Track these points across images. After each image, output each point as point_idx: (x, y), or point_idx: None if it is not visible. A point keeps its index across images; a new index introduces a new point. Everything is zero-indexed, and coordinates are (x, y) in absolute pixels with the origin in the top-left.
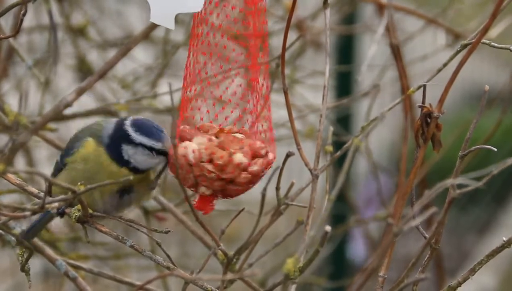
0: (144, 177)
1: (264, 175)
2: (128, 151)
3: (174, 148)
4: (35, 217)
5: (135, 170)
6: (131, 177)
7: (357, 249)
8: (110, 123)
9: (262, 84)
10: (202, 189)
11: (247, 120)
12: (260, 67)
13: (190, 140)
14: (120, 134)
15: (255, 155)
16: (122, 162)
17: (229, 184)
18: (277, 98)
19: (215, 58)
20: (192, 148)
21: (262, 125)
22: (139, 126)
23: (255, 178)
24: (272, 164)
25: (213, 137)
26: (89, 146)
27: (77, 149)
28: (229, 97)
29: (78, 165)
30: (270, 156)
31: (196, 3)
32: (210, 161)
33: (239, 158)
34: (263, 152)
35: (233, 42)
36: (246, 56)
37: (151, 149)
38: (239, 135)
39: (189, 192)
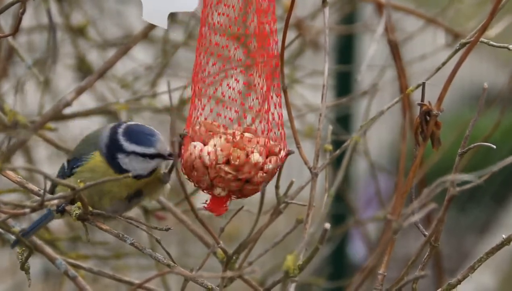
0: (152, 178)
1: (277, 172)
2: (123, 160)
3: (179, 147)
4: (35, 216)
5: (138, 177)
6: (142, 186)
7: (357, 249)
8: (105, 131)
9: (268, 83)
10: (218, 190)
11: (253, 119)
12: (267, 65)
13: (204, 140)
14: (114, 144)
15: (269, 153)
16: (122, 171)
17: (245, 184)
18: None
19: (220, 59)
20: (207, 150)
21: (272, 122)
22: (129, 134)
23: (270, 176)
24: (284, 161)
25: (230, 137)
26: (96, 160)
27: (86, 161)
28: (236, 95)
29: (86, 175)
30: (282, 153)
31: (190, 2)
32: (227, 162)
33: (257, 157)
34: (276, 149)
35: (237, 42)
36: (251, 55)
37: (143, 155)
38: (248, 135)
39: (198, 192)
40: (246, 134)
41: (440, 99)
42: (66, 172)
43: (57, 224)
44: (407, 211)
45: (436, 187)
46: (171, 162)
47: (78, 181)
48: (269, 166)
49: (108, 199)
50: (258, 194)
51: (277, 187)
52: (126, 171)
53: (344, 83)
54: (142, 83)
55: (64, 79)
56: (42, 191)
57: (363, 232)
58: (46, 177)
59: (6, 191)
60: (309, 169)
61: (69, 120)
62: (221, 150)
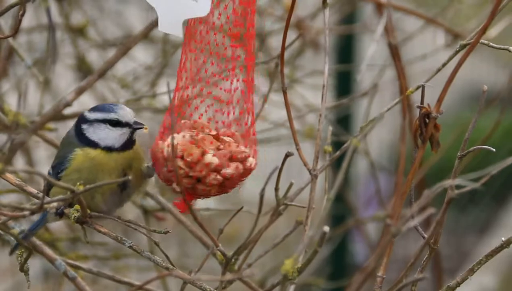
0: (131, 158)
1: (243, 180)
2: (88, 130)
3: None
4: (35, 218)
5: (108, 149)
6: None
7: (359, 250)
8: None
9: (246, 88)
10: (173, 185)
11: (223, 122)
12: (251, 69)
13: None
14: (79, 121)
15: (233, 159)
16: (92, 143)
17: (197, 183)
18: (276, 98)
19: (209, 58)
20: (168, 142)
21: (247, 128)
22: (94, 108)
23: (229, 182)
24: (252, 171)
25: (192, 134)
26: (78, 153)
27: (69, 163)
28: (222, 98)
29: (73, 176)
30: (250, 161)
31: (203, 7)
32: (182, 157)
33: (209, 157)
34: (240, 156)
35: (229, 42)
36: (237, 58)
37: (104, 121)
38: (226, 138)
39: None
40: (225, 138)
41: (440, 101)
42: (53, 177)
43: (56, 225)
44: (406, 214)
45: (435, 191)
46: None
47: (78, 183)
48: (228, 170)
49: (100, 194)
50: (258, 196)
51: (276, 188)
52: (95, 143)
53: (344, 84)
54: (142, 83)
55: (64, 79)
56: (41, 193)
57: (363, 232)
58: (46, 179)
59: (5, 191)
60: (309, 170)
61: (69, 120)
62: (179, 144)
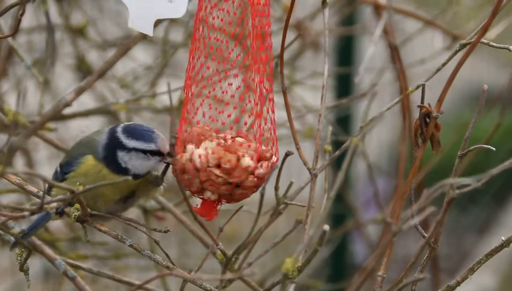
0: (142, 180)
1: (269, 177)
2: (123, 158)
3: (173, 148)
4: (34, 217)
5: (135, 176)
6: (134, 187)
7: (359, 250)
8: (103, 134)
9: (264, 86)
10: (208, 194)
11: (245, 123)
12: (261, 67)
13: (196, 144)
14: (113, 143)
15: (260, 158)
16: (121, 170)
17: (236, 188)
18: (276, 98)
19: (216, 59)
20: (198, 153)
21: (264, 127)
22: (130, 132)
23: (260, 181)
24: (274, 166)
25: (221, 141)
26: (89, 162)
27: (77, 166)
28: (229, 99)
29: (79, 179)
30: (274, 158)
31: (177, 8)
32: (218, 165)
33: (247, 161)
34: (268, 154)
35: (233, 42)
36: (245, 57)
37: (144, 151)
38: (239, 139)
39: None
40: (238, 138)
41: (440, 101)
42: (59, 177)
43: (56, 225)
44: (406, 213)
45: (435, 191)
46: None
47: (77, 183)
48: (260, 170)
49: (102, 201)
50: (258, 195)
51: (276, 187)
52: (125, 170)
53: (343, 84)
54: (142, 83)
55: (64, 79)
56: (41, 193)
57: (363, 233)
58: (45, 180)
59: (6, 191)
60: (309, 169)
61: (68, 120)
62: (212, 153)
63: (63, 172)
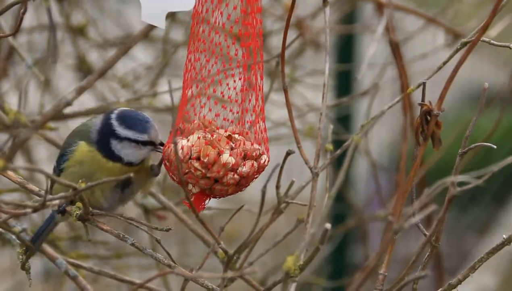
0: (140, 167)
1: (257, 177)
2: (116, 146)
3: (172, 145)
4: (36, 217)
5: (129, 164)
6: (131, 174)
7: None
8: (97, 119)
9: (259, 85)
10: (190, 186)
11: (246, 121)
12: (256, 67)
13: (186, 137)
14: (107, 130)
15: (247, 156)
16: (114, 157)
17: (215, 183)
18: (277, 97)
19: (213, 57)
20: (181, 144)
21: (258, 126)
22: (124, 119)
23: (245, 180)
24: (265, 167)
25: (206, 135)
26: (82, 148)
27: (71, 153)
28: (229, 96)
29: (75, 168)
30: (264, 158)
31: (187, 1)
32: (198, 158)
33: (226, 157)
34: (254, 153)
35: (232, 42)
36: (243, 56)
37: (136, 141)
38: (237, 137)
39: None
40: (235, 136)
41: (441, 98)
42: (57, 171)
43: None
44: (408, 211)
45: (436, 188)
46: (160, 154)
47: (80, 181)
48: (243, 169)
49: (100, 190)
50: (259, 194)
51: (277, 186)
52: (118, 157)
53: (344, 83)
54: (142, 83)
55: (65, 79)
56: (43, 191)
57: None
58: (48, 176)
59: (7, 190)
60: (310, 168)
61: (69, 119)
62: (193, 146)
63: (59, 165)
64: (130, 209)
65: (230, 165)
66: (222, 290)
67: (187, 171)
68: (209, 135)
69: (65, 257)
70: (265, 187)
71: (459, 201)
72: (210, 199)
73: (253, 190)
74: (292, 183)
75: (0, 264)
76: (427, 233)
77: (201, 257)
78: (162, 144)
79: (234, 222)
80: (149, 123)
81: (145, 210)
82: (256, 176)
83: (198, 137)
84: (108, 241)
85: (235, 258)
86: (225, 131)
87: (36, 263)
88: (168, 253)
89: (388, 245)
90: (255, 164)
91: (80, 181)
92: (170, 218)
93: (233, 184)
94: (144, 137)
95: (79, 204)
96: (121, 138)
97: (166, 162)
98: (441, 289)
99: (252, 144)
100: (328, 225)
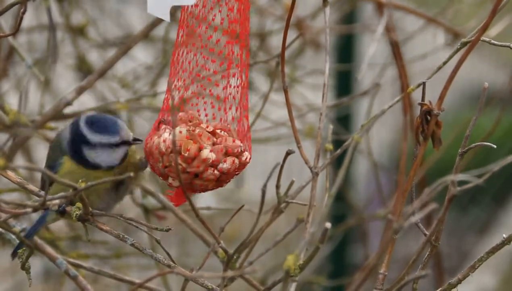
0: (126, 164)
1: (238, 174)
2: (90, 154)
3: (155, 138)
4: (35, 215)
5: (111, 168)
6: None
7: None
8: (65, 130)
9: (243, 82)
10: (170, 180)
11: (232, 118)
12: (243, 66)
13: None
14: (78, 139)
15: (228, 153)
16: (92, 166)
17: (195, 178)
18: (277, 97)
19: (199, 53)
20: (163, 137)
21: (242, 124)
22: (93, 124)
23: (225, 176)
24: (247, 165)
25: (189, 129)
26: (67, 164)
27: (60, 166)
28: (210, 91)
29: (66, 177)
30: (245, 155)
31: None
32: (179, 153)
33: (206, 153)
34: (236, 150)
35: (225, 40)
36: (228, 54)
37: (110, 145)
38: (220, 132)
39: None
40: (218, 131)
41: (441, 98)
42: (47, 180)
43: (57, 224)
44: (407, 211)
45: (436, 187)
46: (139, 145)
47: (80, 180)
48: (224, 165)
49: (95, 194)
50: (259, 194)
51: (277, 186)
52: (94, 165)
53: (344, 83)
54: (142, 83)
55: (64, 79)
56: (42, 192)
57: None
58: (48, 175)
59: (7, 190)
60: (310, 168)
61: (69, 120)
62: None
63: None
64: (130, 209)
65: (210, 160)
66: (222, 289)
67: (167, 164)
68: (192, 129)
69: (65, 257)
70: (265, 186)
71: (459, 201)
72: (194, 194)
73: (253, 189)
74: (292, 183)
75: (0, 264)
76: (427, 233)
77: (201, 256)
78: (136, 139)
79: (234, 222)
80: (119, 122)
81: (145, 210)
82: (237, 173)
83: (180, 132)
84: (107, 241)
85: (235, 257)
86: (207, 127)
87: (36, 263)
88: (168, 253)
89: (388, 244)
90: (236, 161)
91: (80, 180)
92: (170, 218)
93: (213, 179)
94: (116, 139)
95: (79, 204)
96: (93, 145)
97: (148, 154)
98: (441, 288)
99: (233, 141)
100: (328, 225)
